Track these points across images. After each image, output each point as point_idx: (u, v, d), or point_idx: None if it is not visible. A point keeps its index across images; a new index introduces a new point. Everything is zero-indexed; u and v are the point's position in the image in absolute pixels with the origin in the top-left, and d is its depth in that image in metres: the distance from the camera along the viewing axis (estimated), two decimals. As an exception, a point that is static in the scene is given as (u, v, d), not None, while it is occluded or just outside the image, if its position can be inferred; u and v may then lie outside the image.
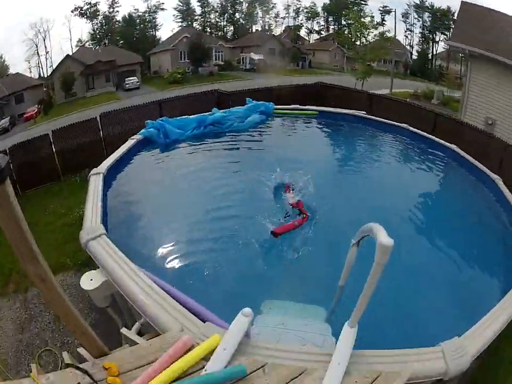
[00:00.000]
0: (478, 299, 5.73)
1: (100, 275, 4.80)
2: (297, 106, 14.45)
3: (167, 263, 6.02)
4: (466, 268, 6.63)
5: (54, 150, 14.49)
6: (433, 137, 12.56)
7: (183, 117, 11.57)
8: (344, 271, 4.17)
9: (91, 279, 4.76)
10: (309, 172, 8.38)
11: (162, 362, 3.28)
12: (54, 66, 51.63)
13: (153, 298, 4.24)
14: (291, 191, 8.03)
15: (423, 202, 8.98)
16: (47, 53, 66.27)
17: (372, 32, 36.62)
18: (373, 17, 42.03)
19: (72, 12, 73.01)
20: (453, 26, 24.02)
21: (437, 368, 3.77)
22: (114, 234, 5.60)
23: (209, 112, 12.03)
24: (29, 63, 54.81)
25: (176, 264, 6.05)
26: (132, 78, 52.25)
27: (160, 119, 10.99)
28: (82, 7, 73.18)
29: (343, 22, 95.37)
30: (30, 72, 53.85)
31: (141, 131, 10.42)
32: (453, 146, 11.74)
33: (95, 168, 7.86)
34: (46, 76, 57.37)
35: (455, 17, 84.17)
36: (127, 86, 50.22)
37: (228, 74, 56.68)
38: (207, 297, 5.11)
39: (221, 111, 12.20)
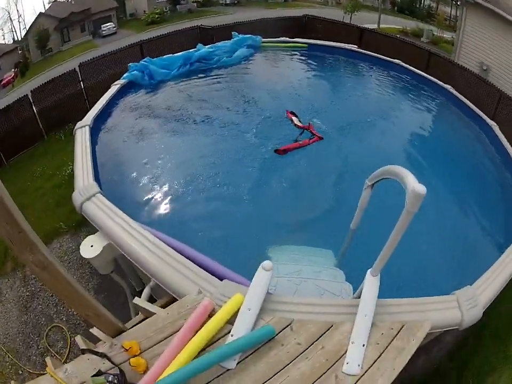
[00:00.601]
0: (478, 248, 5.69)
1: (100, 239, 4.35)
2: (286, 38, 13.70)
3: (168, 215, 5.68)
4: (465, 215, 6.50)
5: (35, 110, 13.76)
6: (428, 76, 11.93)
7: (168, 55, 10.86)
8: (356, 214, 3.91)
9: (91, 245, 4.32)
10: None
11: (185, 333, 2.99)
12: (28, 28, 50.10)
13: (162, 258, 3.88)
14: (293, 115, 8.34)
15: (417, 143, 8.61)
16: (19, 16, 63.80)
17: None
18: None
19: None
20: None
21: (453, 317, 3.73)
22: (109, 192, 5.14)
23: (195, 49, 11.27)
24: (2, 30, 52.77)
25: (179, 214, 5.70)
26: (108, 23, 50.63)
27: (143, 60, 10.27)
28: None
29: None
30: (4, 39, 51.96)
31: (124, 75, 9.77)
32: (448, 87, 11.19)
33: (80, 122, 7.30)
34: (20, 39, 55.86)
35: None
36: (103, 32, 48.81)
37: (208, 10, 54.77)
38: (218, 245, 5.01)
39: (207, 46, 11.47)
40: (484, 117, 9.85)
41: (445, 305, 3.77)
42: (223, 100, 9.05)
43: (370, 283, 3.37)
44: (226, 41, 12.21)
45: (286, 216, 5.73)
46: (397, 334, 3.33)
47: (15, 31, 55.68)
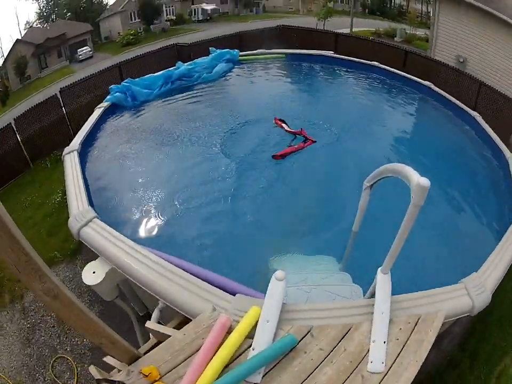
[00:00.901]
0: (475, 237, 5.69)
1: (102, 265, 4.26)
2: (263, 50, 13.77)
3: (166, 234, 5.56)
4: (458, 207, 6.55)
5: (19, 138, 13.63)
6: (407, 75, 12.04)
7: (148, 75, 10.83)
8: (357, 217, 4.00)
9: (93, 272, 4.21)
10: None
11: (205, 352, 2.92)
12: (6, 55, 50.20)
13: (171, 278, 3.81)
14: (283, 123, 8.51)
15: (403, 142, 8.72)
16: None
17: None
18: None
19: None
20: None
21: (464, 305, 3.81)
22: (105, 216, 5.07)
23: (174, 67, 11.31)
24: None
25: (178, 232, 5.60)
26: (84, 48, 50.97)
27: (125, 81, 10.25)
28: None
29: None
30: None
31: (107, 97, 9.71)
32: (428, 83, 11.28)
33: (67, 147, 7.22)
34: None
35: None
36: (80, 57, 49.16)
37: (181, 28, 55.17)
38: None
39: (186, 63, 11.49)
40: (466, 109, 9.95)
41: (455, 293, 3.84)
42: (208, 116, 9.03)
43: (383, 281, 3.41)
44: (204, 57, 12.21)
45: (286, 225, 5.69)
46: (414, 327, 3.39)
47: (-7, 60, 56.01)
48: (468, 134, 9.20)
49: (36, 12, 72.91)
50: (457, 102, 10.29)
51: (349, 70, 12.69)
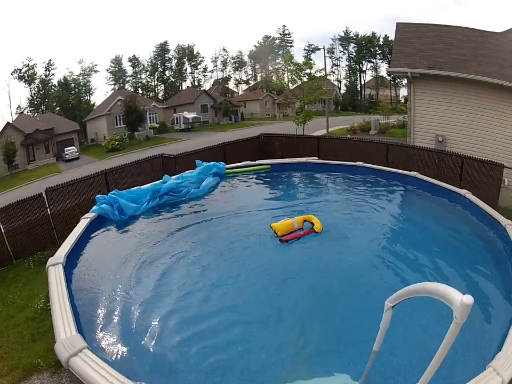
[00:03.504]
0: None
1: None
2: (249, 162, 14.22)
3: (166, 367, 5.10)
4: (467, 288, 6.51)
5: (2, 230, 14.06)
6: (392, 169, 12.93)
7: (135, 188, 10.94)
8: (378, 336, 3.92)
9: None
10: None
11: None
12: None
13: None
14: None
15: (399, 236, 9.02)
16: None
17: (308, 73, 36.81)
18: (309, 58, 42.20)
19: (11, 74, 73.83)
20: (392, 50, 24.50)
21: None
22: (94, 343, 4.99)
23: (161, 180, 11.50)
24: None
25: (179, 364, 5.15)
26: (71, 148, 52.61)
27: (112, 192, 10.23)
28: (21, 69, 74.31)
29: (270, 68, 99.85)
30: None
31: (93, 208, 9.62)
32: (413, 173, 12.03)
33: (51, 258, 6.91)
34: None
35: (383, 41, 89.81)
36: (66, 156, 50.82)
37: (164, 137, 57.40)
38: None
39: (173, 177, 11.69)
40: (455, 189, 10.62)
41: (489, 380, 3.92)
42: (198, 236, 8.98)
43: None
44: (191, 170, 12.44)
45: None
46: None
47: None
48: (461, 213, 9.71)
49: (27, 98, 76.58)
50: (445, 185, 11.01)
51: (334, 173, 13.40)
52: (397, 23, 23.88)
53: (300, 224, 8.60)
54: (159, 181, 11.52)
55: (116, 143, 50.09)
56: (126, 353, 5.23)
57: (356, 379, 4.62)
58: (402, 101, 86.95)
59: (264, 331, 5.78)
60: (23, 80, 75.65)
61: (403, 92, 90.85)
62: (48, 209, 15.05)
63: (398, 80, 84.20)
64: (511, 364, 4.08)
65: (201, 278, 7.20)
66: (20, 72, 75.46)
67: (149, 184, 11.27)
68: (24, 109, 75.36)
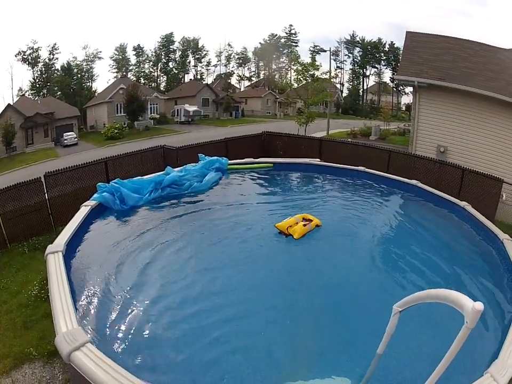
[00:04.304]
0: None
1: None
2: (251, 159, 14.19)
3: (169, 361, 4.99)
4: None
5: None
6: (394, 176, 12.94)
7: (138, 178, 10.80)
8: (384, 339, 4.01)
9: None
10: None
11: None
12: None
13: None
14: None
15: (403, 245, 8.92)
16: None
17: (313, 74, 36.66)
18: (315, 59, 42.34)
19: (15, 56, 73.59)
20: (400, 57, 24.57)
21: None
22: (96, 335, 4.88)
23: (163, 172, 11.37)
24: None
25: (182, 358, 5.04)
26: (70, 133, 52.19)
27: (114, 181, 10.05)
28: (25, 52, 73.82)
29: (274, 66, 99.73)
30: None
31: (94, 196, 9.48)
32: (415, 182, 12.13)
33: (51, 245, 6.72)
34: None
35: (388, 48, 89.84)
36: (65, 141, 50.45)
37: (164, 128, 57.16)
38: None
39: (176, 169, 11.60)
40: (454, 200, 10.77)
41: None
42: (200, 230, 8.92)
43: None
44: (195, 164, 12.37)
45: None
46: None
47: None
48: (459, 225, 9.85)
49: (30, 81, 76.06)
50: (444, 195, 11.19)
51: (336, 176, 13.43)
52: (406, 31, 24.08)
53: (301, 220, 8.68)
54: (162, 172, 11.39)
55: (116, 131, 49.63)
56: (128, 346, 5.08)
57: (357, 382, 4.62)
58: (404, 108, 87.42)
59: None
60: (27, 62, 75.03)
61: (405, 99, 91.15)
62: (46, 194, 14.89)
63: (401, 87, 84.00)
64: (508, 370, 4.23)
65: (206, 269, 7.20)
66: (24, 55, 74.80)
67: (151, 175, 11.17)
68: (26, 92, 74.92)
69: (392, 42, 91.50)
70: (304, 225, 8.46)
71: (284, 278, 7.03)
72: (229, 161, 13.32)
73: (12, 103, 56.04)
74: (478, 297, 6.46)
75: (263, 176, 13.36)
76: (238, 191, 11.92)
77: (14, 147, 48.40)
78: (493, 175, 16.54)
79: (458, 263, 7.81)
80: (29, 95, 74.36)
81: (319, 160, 14.83)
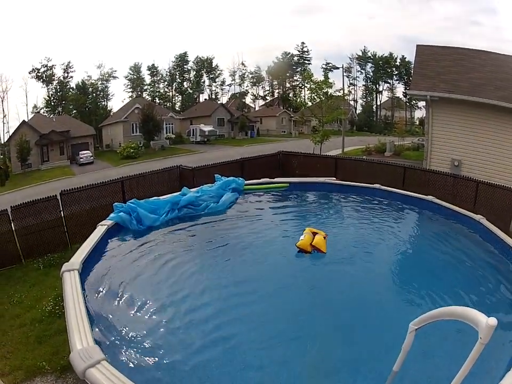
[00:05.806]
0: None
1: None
2: (267, 179, 14.15)
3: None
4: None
5: (13, 227, 14.00)
6: (409, 192, 12.95)
7: (154, 198, 10.79)
8: (400, 356, 3.94)
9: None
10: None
11: None
12: (11, 132, 52.50)
13: None
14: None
15: (419, 261, 8.97)
16: (4, 116, 66.95)
17: (326, 92, 36.68)
18: (327, 77, 42.23)
19: (29, 73, 74.91)
20: (412, 72, 24.60)
21: None
22: (111, 353, 4.76)
23: (180, 192, 11.40)
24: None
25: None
26: (86, 152, 52.63)
27: (130, 201, 10.05)
28: (39, 69, 75.13)
29: (288, 85, 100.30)
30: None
31: (111, 215, 9.49)
32: (430, 198, 12.09)
33: (67, 263, 6.74)
34: (2, 142, 57.92)
35: (400, 62, 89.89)
36: (81, 160, 50.78)
37: (180, 148, 57.56)
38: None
39: (193, 190, 11.61)
40: (470, 214, 10.75)
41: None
42: (218, 251, 8.79)
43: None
44: (211, 184, 12.36)
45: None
46: None
47: (-2, 132, 58.06)
48: (475, 239, 9.85)
49: (44, 98, 77.22)
50: (460, 210, 11.20)
51: (352, 195, 13.45)
52: (417, 45, 24.21)
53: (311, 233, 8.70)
54: (178, 193, 11.43)
55: (131, 150, 49.90)
56: (144, 365, 5.03)
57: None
58: (417, 122, 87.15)
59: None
60: (41, 80, 76.18)
61: (418, 113, 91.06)
62: (62, 212, 14.99)
63: (414, 102, 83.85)
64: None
65: (224, 291, 7.12)
66: (38, 72, 76.00)
67: (168, 196, 11.16)
68: (41, 109, 75.99)
69: (403, 56, 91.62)
70: (324, 237, 8.53)
71: (305, 296, 6.99)
72: (245, 182, 13.28)
73: (26, 120, 56.78)
74: (492, 310, 6.38)
75: (279, 196, 13.36)
76: (255, 212, 11.83)
77: (29, 163, 49.09)
78: (508, 186, 16.28)
79: (474, 277, 7.77)
80: (43, 112, 75.43)
81: (334, 178, 14.76)
